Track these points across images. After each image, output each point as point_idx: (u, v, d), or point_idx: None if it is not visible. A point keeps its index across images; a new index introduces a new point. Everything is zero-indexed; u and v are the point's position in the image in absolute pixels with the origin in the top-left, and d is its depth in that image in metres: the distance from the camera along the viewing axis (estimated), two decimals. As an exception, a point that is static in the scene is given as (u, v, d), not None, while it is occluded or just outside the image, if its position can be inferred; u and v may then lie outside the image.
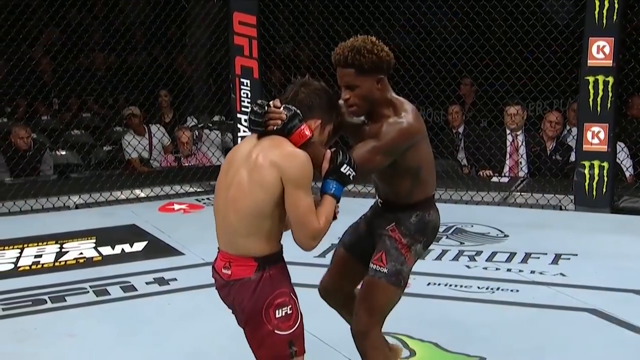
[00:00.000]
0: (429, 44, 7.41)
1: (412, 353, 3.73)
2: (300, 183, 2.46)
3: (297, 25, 7.53)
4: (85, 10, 7.53)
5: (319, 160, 2.57)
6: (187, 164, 7.70)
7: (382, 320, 2.88)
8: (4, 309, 4.31)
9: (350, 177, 2.60)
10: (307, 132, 2.55)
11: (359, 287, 3.03)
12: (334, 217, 2.59)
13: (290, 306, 2.56)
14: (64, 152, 7.84)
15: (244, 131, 6.85)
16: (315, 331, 3.44)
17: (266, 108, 2.54)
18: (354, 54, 2.67)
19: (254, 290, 2.53)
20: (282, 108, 2.56)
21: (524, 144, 7.01)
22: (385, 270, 2.82)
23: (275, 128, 2.53)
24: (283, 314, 2.54)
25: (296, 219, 2.48)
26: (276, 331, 2.53)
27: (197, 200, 6.91)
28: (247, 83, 6.81)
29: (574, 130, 6.89)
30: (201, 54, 8.70)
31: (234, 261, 2.56)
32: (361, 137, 2.78)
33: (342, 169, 2.59)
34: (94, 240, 5.56)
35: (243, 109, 6.86)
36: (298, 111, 2.56)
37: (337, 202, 2.60)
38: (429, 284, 4.67)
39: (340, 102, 2.79)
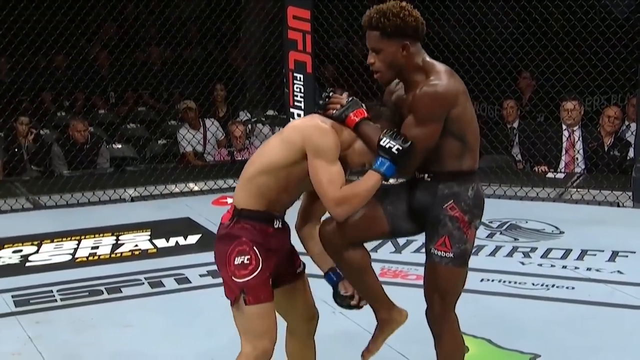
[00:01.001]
0: (484, 38, 7.33)
1: (466, 349, 3.70)
2: (320, 151, 2.57)
3: (350, 19, 7.52)
4: (142, 5, 7.63)
5: (373, 142, 2.59)
6: (240, 158, 7.76)
7: (455, 302, 2.83)
8: (62, 299, 4.41)
9: (393, 149, 2.55)
10: (356, 117, 2.62)
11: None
12: None
13: (249, 257, 2.67)
14: (120, 146, 7.97)
15: (297, 125, 6.88)
16: (360, 320, 3.44)
17: (330, 95, 2.67)
18: (379, 16, 2.63)
19: (223, 235, 2.73)
20: (345, 97, 2.66)
21: (580, 139, 6.90)
22: (452, 255, 2.71)
23: (333, 112, 2.65)
24: (240, 262, 2.67)
25: (316, 187, 2.59)
26: (233, 277, 2.68)
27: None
28: (300, 77, 6.82)
29: (633, 125, 6.75)
30: (255, 49, 8.75)
31: (229, 210, 2.76)
32: (404, 112, 2.70)
33: (381, 142, 2.58)
34: (149, 233, 5.64)
35: (296, 103, 6.88)
36: (357, 100, 2.62)
37: (385, 178, 2.59)
38: (482, 280, 4.63)
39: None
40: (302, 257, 2.91)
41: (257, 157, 2.72)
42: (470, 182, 2.75)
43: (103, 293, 4.48)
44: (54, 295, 4.46)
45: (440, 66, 2.68)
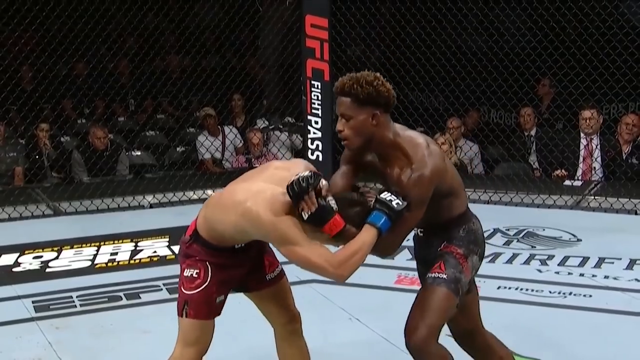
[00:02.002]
0: (502, 46, 7.34)
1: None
2: (284, 239, 2.55)
3: (368, 27, 7.55)
4: (162, 15, 7.70)
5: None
6: (257, 165, 7.81)
7: (439, 331, 2.76)
8: (81, 305, 4.46)
9: (394, 203, 2.55)
10: (332, 231, 2.54)
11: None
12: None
13: (197, 271, 2.76)
14: (139, 153, 8.03)
15: (314, 133, 6.92)
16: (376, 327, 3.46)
17: (309, 189, 2.52)
18: (352, 83, 2.62)
19: (181, 251, 2.85)
20: (324, 198, 2.55)
21: (598, 147, 6.88)
22: (445, 276, 2.73)
23: (302, 213, 2.54)
24: (189, 275, 2.78)
25: (308, 268, 2.60)
26: (181, 287, 2.80)
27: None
28: (317, 85, 6.86)
29: (652, 133, 6.72)
30: (273, 57, 8.80)
31: (192, 223, 2.83)
32: (382, 178, 2.73)
33: (382, 197, 2.56)
34: (168, 239, 5.68)
35: (313, 110, 6.92)
36: (333, 207, 2.54)
37: (380, 233, 2.56)
38: (499, 287, 4.63)
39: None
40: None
41: (218, 200, 2.76)
42: (461, 224, 2.81)
43: (122, 299, 4.52)
44: (73, 301, 4.50)
45: (414, 139, 2.69)
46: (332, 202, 2.55)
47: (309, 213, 2.51)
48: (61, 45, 7.12)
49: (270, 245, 2.96)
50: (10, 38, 7.33)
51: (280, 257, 2.96)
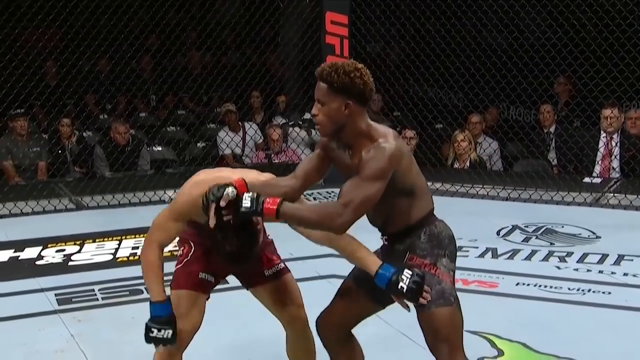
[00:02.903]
0: (522, 43, 7.32)
1: (500, 353, 3.72)
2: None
3: (388, 24, 7.56)
4: (183, 11, 7.76)
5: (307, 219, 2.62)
6: (277, 161, 7.84)
7: (460, 345, 2.74)
8: (103, 298, 4.51)
9: (405, 288, 2.62)
10: (272, 206, 2.56)
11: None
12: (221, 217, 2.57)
13: (183, 248, 2.97)
14: (160, 148, 8.09)
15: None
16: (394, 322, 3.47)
17: (209, 203, 2.58)
18: (330, 70, 2.64)
19: None
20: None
21: (618, 145, 6.85)
22: (429, 298, 2.70)
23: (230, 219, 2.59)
24: (177, 253, 2.98)
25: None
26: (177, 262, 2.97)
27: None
28: (337, 82, 6.88)
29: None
30: (293, 53, 8.83)
31: None
32: (347, 171, 2.72)
33: (400, 280, 2.64)
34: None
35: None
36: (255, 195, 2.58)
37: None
38: (517, 284, 4.64)
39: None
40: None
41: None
42: (420, 229, 2.77)
43: (143, 292, 4.55)
44: (95, 294, 4.56)
45: (385, 129, 2.71)
46: (246, 200, 2.54)
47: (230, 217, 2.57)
48: (84, 42, 7.20)
49: (274, 243, 3.06)
50: (35, 34, 7.40)
51: (283, 256, 3.01)
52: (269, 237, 3.10)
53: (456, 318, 2.73)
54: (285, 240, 3.20)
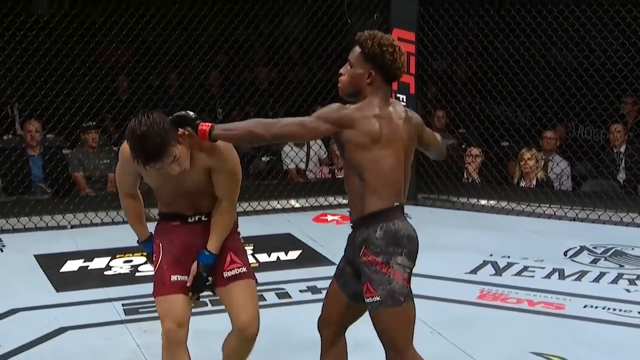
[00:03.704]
0: (592, 62, 7.21)
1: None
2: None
3: (455, 41, 7.53)
4: (252, 28, 7.87)
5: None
6: (340, 176, 7.86)
7: (409, 342, 2.80)
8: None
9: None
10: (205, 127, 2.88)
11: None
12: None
13: (155, 254, 3.13)
14: (226, 162, 8.17)
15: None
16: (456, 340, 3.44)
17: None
18: (367, 37, 2.76)
19: None
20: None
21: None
22: (379, 298, 2.74)
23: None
24: (153, 258, 3.14)
25: None
26: None
27: (349, 212, 7.03)
28: (403, 98, 6.87)
29: None
30: (359, 69, 8.84)
31: None
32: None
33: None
34: (252, 247, 5.75)
35: (399, 123, 6.93)
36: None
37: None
38: (585, 306, 4.56)
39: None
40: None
41: None
42: (377, 223, 2.77)
43: (207, 305, 4.61)
44: (161, 305, 4.63)
45: (376, 101, 2.78)
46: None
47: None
48: (155, 57, 7.36)
49: (236, 247, 3.18)
50: (108, 49, 7.61)
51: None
52: (241, 240, 3.24)
53: (404, 317, 2.77)
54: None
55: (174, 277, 3.06)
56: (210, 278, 3.10)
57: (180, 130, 2.88)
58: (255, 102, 8.45)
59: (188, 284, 3.05)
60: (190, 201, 3.10)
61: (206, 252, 3.06)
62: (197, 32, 7.45)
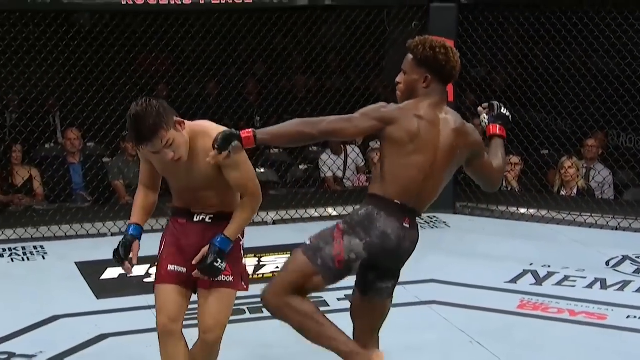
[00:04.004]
0: (635, 69, 7.11)
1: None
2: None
3: (495, 49, 7.48)
4: (290, 36, 7.90)
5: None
6: (379, 185, 7.83)
7: (288, 291, 2.85)
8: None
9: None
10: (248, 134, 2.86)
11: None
12: None
13: (159, 248, 3.25)
14: (263, 170, 8.21)
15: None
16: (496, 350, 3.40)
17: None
18: (418, 43, 2.79)
19: None
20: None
21: None
22: (308, 242, 2.84)
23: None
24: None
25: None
26: None
27: None
28: (441, 106, 6.84)
29: None
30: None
31: None
32: None
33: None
34: (289, 256, 5.77)
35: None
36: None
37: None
38: (628, 316, 4.50)
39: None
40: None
41: None
42: (367, 204, 2.79)
43: (245, 312, 4.64)
44: (199, 313, 4.65)
45: (428, 104, 2.79)
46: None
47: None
48: (194, 66, 7.42)
49: (232, 255, 3.17)
50: (148, 59, 7.69)
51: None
52: (242, 247, 3.30)
53: (298, 266, 2.89)
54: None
55: (171, 267, 3.15)
56: (220, 262, 3.08)
57: (179, 119, 2.94)
58: (292, 110, 8.47)
59: (194, 262, 3.06)
60: (197, 197, 3.14)
61: (223, 236, 3.08)
62: (235, 41, 7.49)
